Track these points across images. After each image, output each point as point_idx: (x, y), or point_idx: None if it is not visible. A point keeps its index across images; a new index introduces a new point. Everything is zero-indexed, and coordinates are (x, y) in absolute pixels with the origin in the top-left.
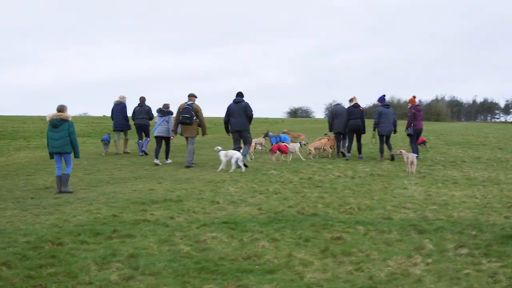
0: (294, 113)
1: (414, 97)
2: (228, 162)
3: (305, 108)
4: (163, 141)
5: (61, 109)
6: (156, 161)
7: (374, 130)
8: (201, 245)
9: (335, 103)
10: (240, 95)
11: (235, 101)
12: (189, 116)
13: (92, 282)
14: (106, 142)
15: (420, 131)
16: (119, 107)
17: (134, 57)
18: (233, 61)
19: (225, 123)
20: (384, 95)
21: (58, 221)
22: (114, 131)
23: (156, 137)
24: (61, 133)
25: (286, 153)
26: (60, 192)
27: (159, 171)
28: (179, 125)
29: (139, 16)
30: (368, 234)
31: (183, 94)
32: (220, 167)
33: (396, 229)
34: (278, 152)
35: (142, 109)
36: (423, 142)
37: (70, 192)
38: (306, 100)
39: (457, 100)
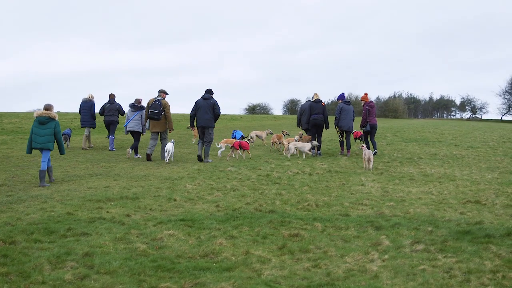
0: (252, 110)
1: (366, 94)
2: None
3: (264, 105)
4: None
5: (49, 107)
6: (136, 155)
7: (336, 126)
8: (157, 243)
9: (307, 100)
10: (209, 92)
11: (203, 97)
12: (157, 111)
13: (45, 282)
14: (66, 137)
15: (375, 126)
16: (88, 104)
17: (95, 52)
18: (195, 57)
19: (191, 116)
20: (343, 93)
21: (10, 219)
22: (81, 127)
23: (129, 131)
24: (46, 131)
25: (247, 149)
26: (43, 186)
27: (115, 168)
28: (148, 120)
29: (100, 10)
30: (326, 230)
31: (145, 89)
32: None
33: (353, 226)
34: (239, 149)
35: (113, 106)
36: (360, 137)
37: (47, 185)
38: (266, 97)
39: (414, 97)
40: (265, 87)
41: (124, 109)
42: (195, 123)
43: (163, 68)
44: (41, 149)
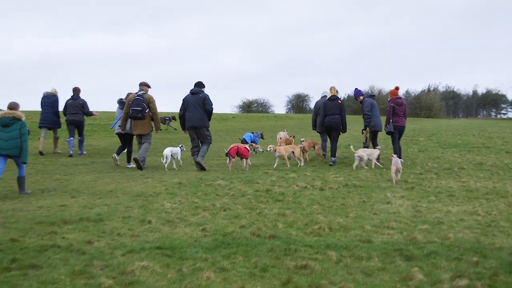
0: (248, 107)
1: (397, 88)
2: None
3: (262, 101)
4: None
5: (13, 106)
6: (128, 165)
7: (366, 126)
8: (127, 277)
9: (323, 95)
10: (198, 85)
11: (192, 92)
12: (141, 109)
13: None
14: None
15: (402, 129)
16: (50, 100)
17: (55, 35)
18: (176, 40)
19: (180, 117)
20: (356, 88)
21: None
22: (40, 127)
23: (117, 134)
24: (11, 133)
25: (246, 157)
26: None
27: (73, 181)
28: (129, 120)
29: None
30: (342, 261)
31: (116, 81)
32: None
33: (377, 255)
34: (236, 156)
35: (76, 102)
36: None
37: (28, 193)
38: (266, 91)
39: (453, 91)
40: (264, 79)
41: (89, 108)
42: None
43: (138, 54)
44: (7, 157)
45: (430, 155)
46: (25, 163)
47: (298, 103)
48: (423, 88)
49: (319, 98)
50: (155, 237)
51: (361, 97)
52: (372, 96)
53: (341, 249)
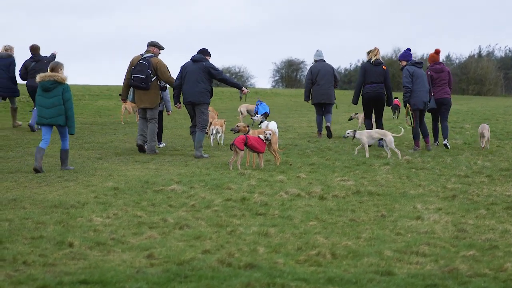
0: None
1: (437, 52)
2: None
3: (238, 70)
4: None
5: (55, 67)
6: (161, 145)
7: (406, 103)
8: None
9: (317, 57)
10: (202, 52)
11: (193, 59)
12: (144, 77)
13: None
14: None
15: (446, 102)
16: (4, 62)
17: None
18: None
19: (175, 88)
20: (409, 49)
21: None
22: None
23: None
24: (53, 99)
25: (261, 151)
26: (37, 171)
27: None
28: (132, 90)
29: None
30: None
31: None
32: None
33: None
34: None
35: (40, 64)
36: (396, 107)
37: (71, 169)
38: (244, 56)
39: None
40: (244, 37)
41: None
42: (181, 99)
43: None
44: (50, 125)
45: (481, 149)
46: (72, 133)
47: (289, 73)
48: (471, 52)
49: (313, 62)
50: (79, 266)
51: (403, 62)
52: (417, 63)
53: (349, 285)
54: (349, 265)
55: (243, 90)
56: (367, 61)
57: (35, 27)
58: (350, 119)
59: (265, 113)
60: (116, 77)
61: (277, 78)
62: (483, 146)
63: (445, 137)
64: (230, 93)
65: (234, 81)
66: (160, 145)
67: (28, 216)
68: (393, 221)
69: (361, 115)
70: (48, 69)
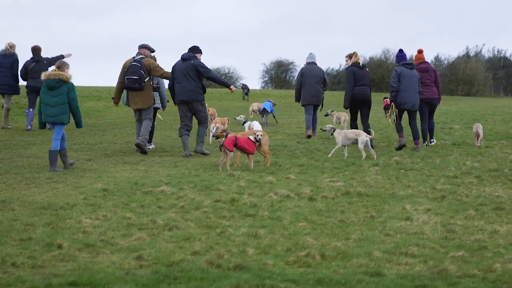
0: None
1: (420, 51)
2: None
3: (227, 71)
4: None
5: (61, 65)
6: (150, 146)
7: (391, 101)
8: None
9: (309, 60)
10: (192, 50)
11: (182, 58)
12: (137, 77)
13: None
14: None
15: (431, 101)
16: (8, 60)
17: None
18: None
19: (169, 89)
20: (400, 51)
21: None
22: None
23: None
24: (58, 98)
25: (251, 152)
26: (54, 170)
27: None
28: (125, 92)
29: None
30: None
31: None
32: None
33: None
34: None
35: (39, 65)
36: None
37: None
38: (235, 56)
39: (505, 58)
40: (236, 37)
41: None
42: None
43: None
44: (53, 123)
45: (469, 150)
46: (81, 127)
47: (278, 73)
48: (460, 52)
49: (305, 64)
50: (68, 268)
51: (397, 64)
52: (407, 64)
53: (338, 286)
54: (338, 266)
55: (231, 88)
56: (354, 65)
57: (33, 28)
58: (326, 115)
59: (264, 109)
60: (107, 79)
61: (266, 79)
62: (478, 145)
63: (431, 135)
64: (233, 95)
65: (222, 79)
66: (150, 146)
67: (17, 217)
68: (382, 222)
69: (341, 114)
70: (54, 68)
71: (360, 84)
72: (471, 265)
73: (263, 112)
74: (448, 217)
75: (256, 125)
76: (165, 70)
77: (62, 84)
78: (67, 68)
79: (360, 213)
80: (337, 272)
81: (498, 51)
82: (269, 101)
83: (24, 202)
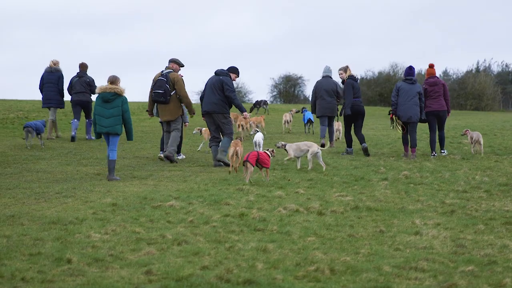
0: None
1: (431, 66)
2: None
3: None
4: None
5: (114, 80)
6: (161, 154)
7: (389, 114)
8: None
9: (324, 73)
10: (231, 69)
11: (215, 72)
12: (163, 91)
13: None
14: (30, 130)
15: (440, 114)
16: (54, 76)
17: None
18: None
19: (200, 100)
20: (408, 68)
21: None
22: (44, 107)
23: (160, 122)
24: (113, 110)
25: (267, 166)
26: (113, 179)
27: None
28: (155, 105)
29: None
30: None
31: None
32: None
33: None
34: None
35: (82, 80)
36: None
37: (118, 179)
38: (243, 72)
39: None
40: (243, 54)
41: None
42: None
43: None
44: (108, 134)
45: (479, 164)
46: (131, 140)
47: (287, 88)
48: (468, 67)
49: (321, 77)
50: (77, 283)
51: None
52: (407, 79)
53: None
54: (348, 281)
55: (244, 115)
56: (351, 78)
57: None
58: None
59: (309, 119)
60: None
61: (275, 93)
62: (478, 152)
63: (441, 146)
64: None
65: (239, 103)
66: (179, 157)
67: (26, 232)
68: (392, 237)
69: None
70: (108, 82)
71: (356, 96)
72: (481, 280)
73: (308, 122)
74: (457, 231)
75: (258, 136)
76: (187, 95)
77: (117, 97)
78: (119, 83)
79: (369, 228)
80: (347, 287)
81: (506, 65)
82: (305, 109)
83: (33, 217)
